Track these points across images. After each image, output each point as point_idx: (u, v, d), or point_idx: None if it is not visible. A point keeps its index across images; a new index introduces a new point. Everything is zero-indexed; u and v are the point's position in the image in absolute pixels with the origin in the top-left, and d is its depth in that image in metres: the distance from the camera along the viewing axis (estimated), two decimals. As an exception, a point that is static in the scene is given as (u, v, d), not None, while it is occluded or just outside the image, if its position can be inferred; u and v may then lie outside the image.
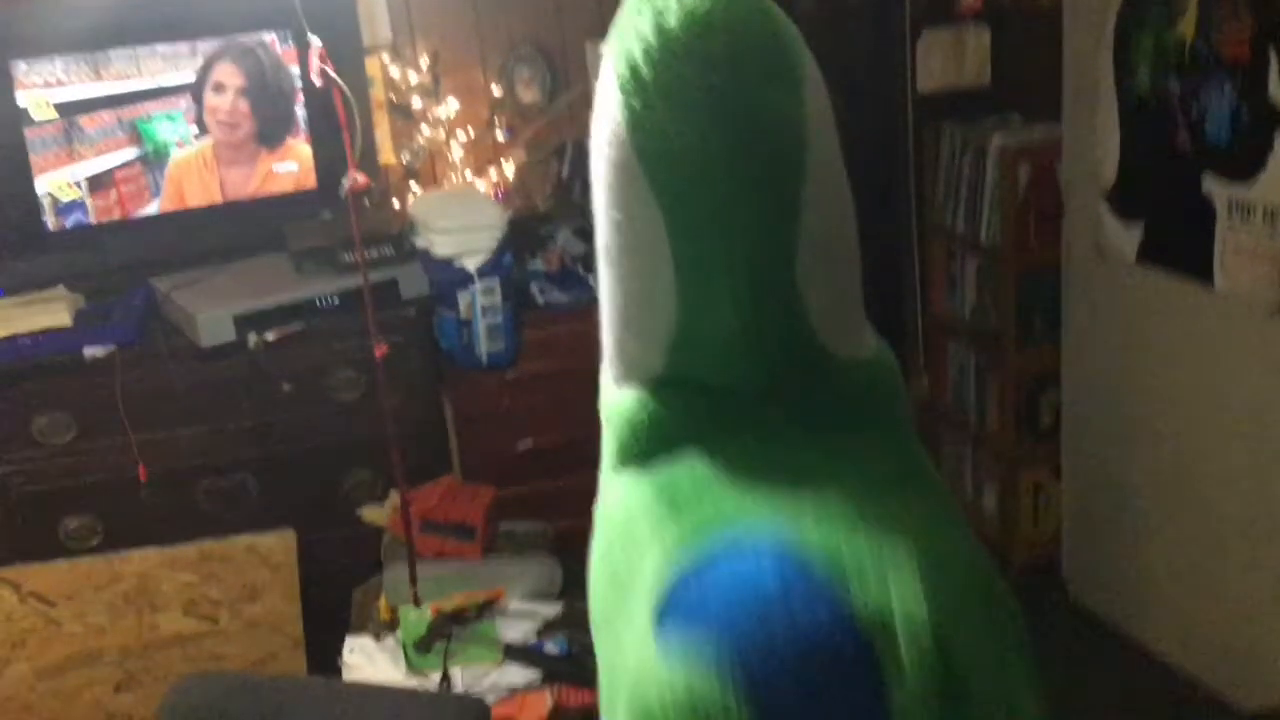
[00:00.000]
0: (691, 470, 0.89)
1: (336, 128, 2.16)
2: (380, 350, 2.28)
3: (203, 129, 2.91)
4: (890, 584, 0.75)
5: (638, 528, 0.88)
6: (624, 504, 0.94)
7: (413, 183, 3.15)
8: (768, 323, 0.92)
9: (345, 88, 2.06)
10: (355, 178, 2.13)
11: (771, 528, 0.80)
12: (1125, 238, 2.86)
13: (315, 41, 2.09)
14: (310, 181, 3.00)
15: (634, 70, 0.90)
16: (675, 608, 0.79)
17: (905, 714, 0.72)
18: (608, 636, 0.90)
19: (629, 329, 0.98)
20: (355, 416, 2.78)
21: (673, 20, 0.89)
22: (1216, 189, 2.57)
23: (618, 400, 1.01)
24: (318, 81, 2.07)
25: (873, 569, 0.76)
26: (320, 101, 2.70)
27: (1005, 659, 0.80)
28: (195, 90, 2.88)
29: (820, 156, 0.92)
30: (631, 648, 0.82)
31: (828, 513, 0.81)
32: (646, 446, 0.95)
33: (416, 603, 2.33)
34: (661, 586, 0.81)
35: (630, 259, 0.95)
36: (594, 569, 0.96)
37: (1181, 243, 2.69)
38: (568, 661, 2.16)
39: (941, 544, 0.82)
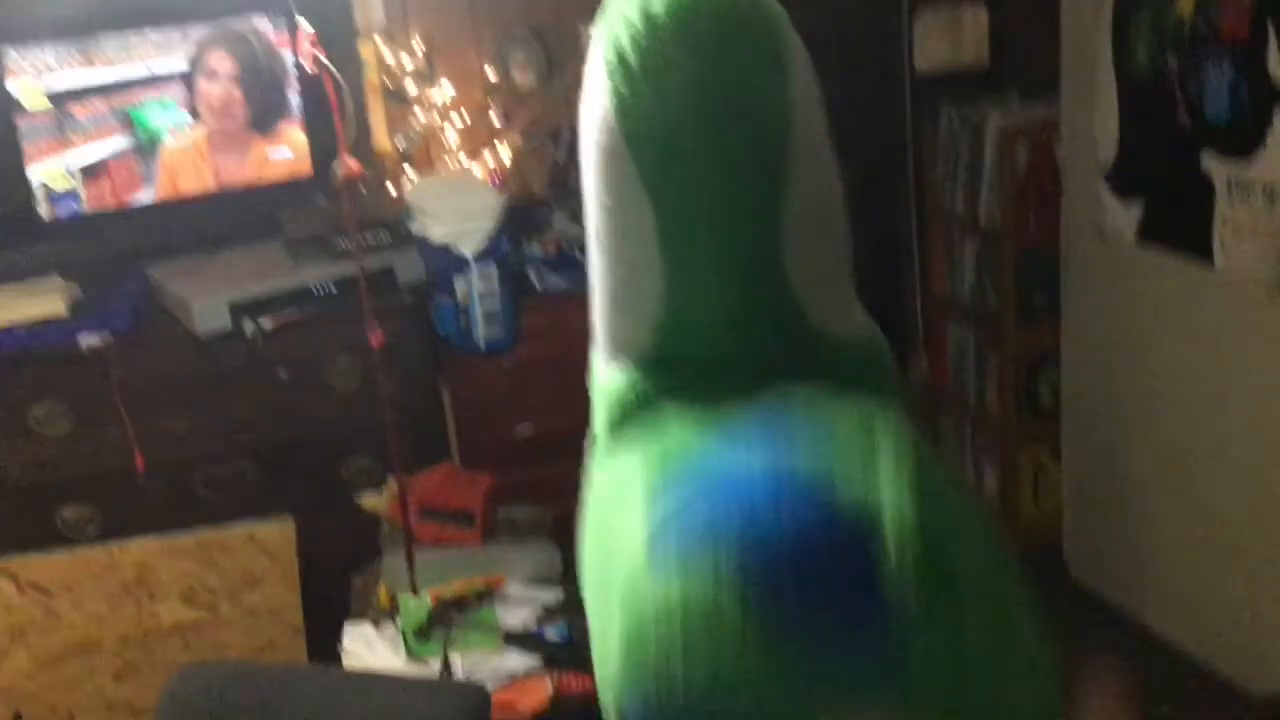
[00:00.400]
0: (681, 437, 0.90)
1: (330, 113, 2.15)
2: (376, 339, 2.27)
3: (195, 116, 2.89)
4: (878, 489, 0.76)
5: (628, 492, 0.89)
6: (613, 478, 0.95)
7: (408, 168, 3.13)
8: (755, 302, 0.94)
9: (336, 73, 2.05)
10: (347, 164, 2.11)
11: (760, 457, 0.81)
12: (1124, 217, 2.85)
13: (305, 26, 2.07)
14: (306, 168, 2.98)
15: (621, 57, 0.91)
16: (666, 530, 0.80)
17: (897, 606, 0.72)
18: (600, 607, 0.90)
19: (618, 308, 0.99)
20: (353, 404, 2.77)
21: (659, 6, 0.91)
22: (1216, 167, 2.55)
23: (608, 380, 1.02)
24: (308, 67, 2.05)
25: (861, 477, 0.77)
26: (314, 87, 2.68)
27: (997, 569, 0.81)
28: (187, 77, 2.86)
29: (806, 140, 0.94)
30: (622, 574, 0.82)
31: (816, 446, 0.82)
32: (637, 424, 0.96)
33: (414, 590, 2.32)
34: (652, 519, 0.82)
35: (619, 242, 0.96)
36: (586, 544, 0.97)
37: (1181, 221, 2.68)
38: (568, 647, 2.15)
39: (936, 472, 0.83)
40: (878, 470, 0.78)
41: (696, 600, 0.74)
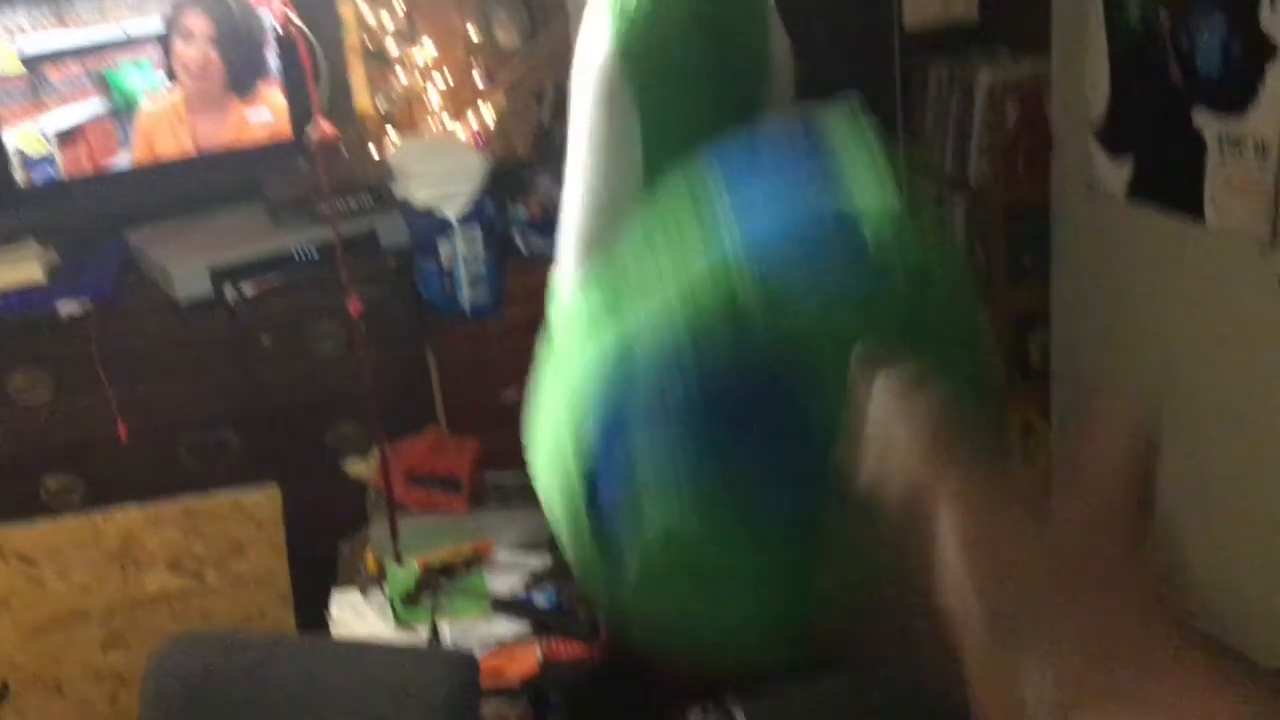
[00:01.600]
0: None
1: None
2: (354, 307, 2.24)
3: (172, 78, 2.84)
4: (865, 197, 0.82)
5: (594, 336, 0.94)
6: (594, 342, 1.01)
7: (390, 130, 3.08)
8: None
9: (309, 34, 2.01)
10: (321, 128, 2.07)
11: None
12: (1115, 174, 2.82)
13: (280, -15, 2.02)
14: (286, 130, 2.93)
15: None
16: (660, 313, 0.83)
17: (878, 253, 0.78)
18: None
19: (597, 208, 1.10)
20: (337, 369, 2.75)
21: None
22: (1207, 123, 2.53)
23: (578, 286, 1.10)
24: (280, 28, 2.01)
25: (852, 189, 0.83)
26: (292, 48, 2.63)
27: (971, 296, 0.89)
28: (163, 39, 2.80)
29: (779, 93, 1.06)
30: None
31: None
32: (612, 312, 1.04)
33: (398, 559, 2.31)
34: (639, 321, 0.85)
35: (605, 151, 1.08)
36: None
37: (1172, 178, 2.66)
38: (557, 613, 2.14)
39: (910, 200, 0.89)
40: (861, 185, 0.84)
41: (701, 292, 0.77)
